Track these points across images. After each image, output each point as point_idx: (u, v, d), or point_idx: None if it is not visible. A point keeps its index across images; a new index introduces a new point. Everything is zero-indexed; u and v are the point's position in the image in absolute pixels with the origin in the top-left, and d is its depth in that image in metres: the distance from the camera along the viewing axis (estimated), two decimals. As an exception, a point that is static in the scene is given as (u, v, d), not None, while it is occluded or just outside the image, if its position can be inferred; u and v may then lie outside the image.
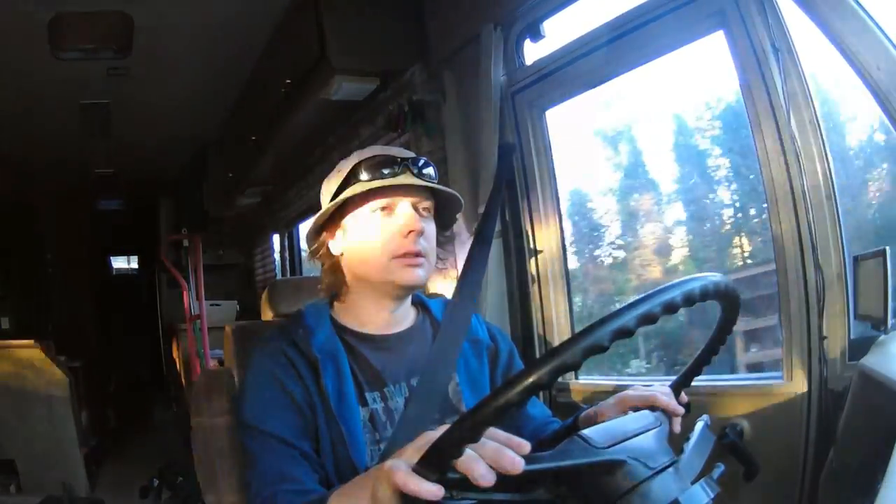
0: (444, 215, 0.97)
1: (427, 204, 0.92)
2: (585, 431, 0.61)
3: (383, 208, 0.89)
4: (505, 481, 0.53)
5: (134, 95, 2.82)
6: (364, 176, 0.90)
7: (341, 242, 0.93)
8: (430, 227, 0.92)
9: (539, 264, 1.70)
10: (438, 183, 0.93)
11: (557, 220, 1.69)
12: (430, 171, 0.92)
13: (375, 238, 0.89)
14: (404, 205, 0.89)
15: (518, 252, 1.71)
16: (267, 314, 1.25)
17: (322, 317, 0.94)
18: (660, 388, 0.81)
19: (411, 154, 0.93)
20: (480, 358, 0.99)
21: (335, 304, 0.98)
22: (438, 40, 1.88)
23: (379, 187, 0.88)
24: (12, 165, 3.70)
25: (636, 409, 0.78)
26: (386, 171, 0.89)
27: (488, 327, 1.04)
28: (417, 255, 0.89)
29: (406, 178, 0.89)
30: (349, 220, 0.92)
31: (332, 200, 0.92)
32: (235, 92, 2.91)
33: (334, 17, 1.91)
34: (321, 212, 0.93)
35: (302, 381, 0.86)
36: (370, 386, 0.90)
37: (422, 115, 1.87)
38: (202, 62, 2.56)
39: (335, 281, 0.96)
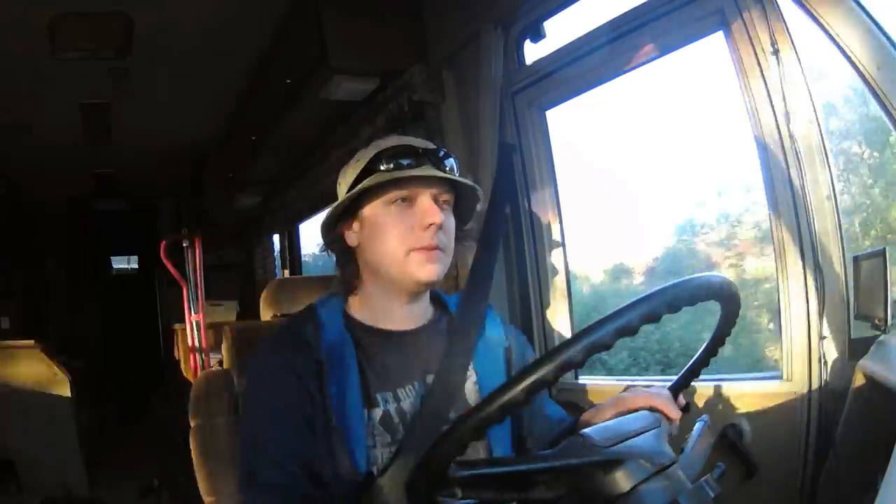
0: (462, 209, 0.94)
1: (447, 196, 0.89)
2: (586, 430, 0.62)
3: (403, 199, 0.86)
4: (507, 481, 0.53)
5: (134, 95, 2.82)
6: (383, 166, 0.87)
7: (357, 234, 0.90)
8: (450, 221, 0.89)
9: (539, 264, 1.69)
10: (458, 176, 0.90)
11: (558, 219, 1.69)
12: (451, 162, 0.90)
13: (393, 230, 0.86)
14: (424, 197, 0.86)
15: (518, 252, 1.71)
16: (266, 314, 1.25)
17: (335, 311, 0.91)
18: (658, 390, 0.81)
19: (432, 145, 0.91)
20: (497, 355, 0.96)
21: (350, 298, 0.94)
22: (438, 40, 1.88)
23: (398, 178, 0.85)
24: (12, 165, 3.70)
25: (634, 412, 0.78)
26: (406, 162, 0.86)
27: (503, 324, 1.01)
28: (435, 248, 0.85)
29: (426, 170, 0.86)
30: (367, 211, 0.88)
31: (349, 191, 0.89)
32: (235, 92, 2.90)
33: (334, 17, 1.91)
34: (338, 202, 0.90)
35: (307, 390, 0.82)
36: (381, 385, 0.86)
37: (422, 115, 1.87)
38: (202, 62, 2.56)
39: (349, 274, 0.92)
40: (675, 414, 0.78)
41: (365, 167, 0.88)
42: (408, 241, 0.85)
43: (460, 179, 0.89)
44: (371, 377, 0.86)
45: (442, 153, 0.90)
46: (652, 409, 0.77)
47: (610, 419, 0.78)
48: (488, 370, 0.93)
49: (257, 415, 0.84)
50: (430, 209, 0.85)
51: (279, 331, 0.90)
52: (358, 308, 0.93)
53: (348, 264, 0.92)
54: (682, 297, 0.55)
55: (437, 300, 0.98)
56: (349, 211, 0.90)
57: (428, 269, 0.86)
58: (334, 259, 0.95)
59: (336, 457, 0.81)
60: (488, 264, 1.14)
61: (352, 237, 0.91)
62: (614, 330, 0.50)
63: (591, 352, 0.51)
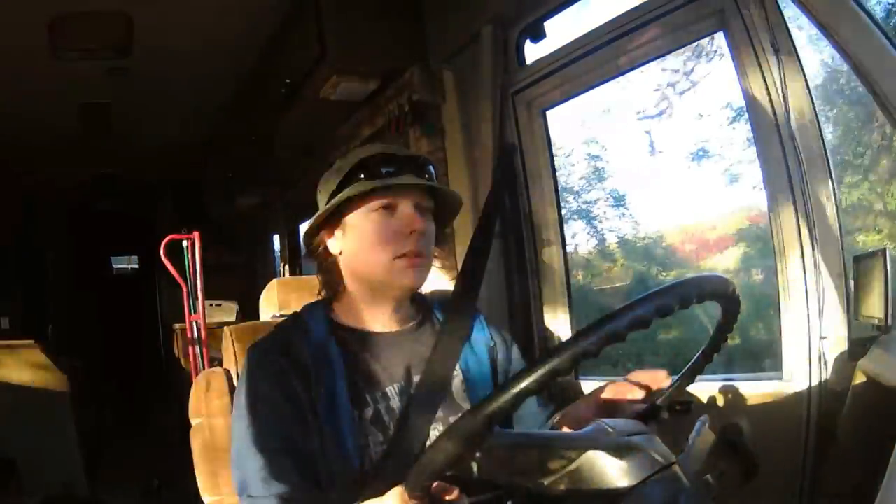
0: (443, 214, 0.97)
1: (429, 203, 0.91)
2: (606, 420, 0.64)
3: (385, 207, 0.88)
4: (524, 466, 0.55)
5: (134, 95, 2.82)
6: (365, 175, 0.88)
7: (340, 241, 0.92)
8: (431, 227, 0.91)
9: (539, 264, 1.69)
10: (437, 183, 0.92)
11: (557, 219, 1.69)
12: (431, 169, 0.92)
13: (377, 238, 0.88)
14: (406, 204, 0.88)
15: (518, 252, 1.71)
16: (266, 314, 1.25)
17: (320, 316, 0.93)
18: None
19: (412, 152, 0.94)
20: (482, 355, 0.98)
21: (333, 304, 0.96)
22: (438, 40, 1.88)
23: (381, 187, 0.87)
24: (12, 165, 3.70)
25: (608, 405, 0.81)
26: (387, 171, 0.88)
27: (488, 325, 1.03)
28: (419, 254, 0.88)
29: (408, 178, 0.88)
30: (349, 220, 0.90)
31: (330, 199, 0.91)
32: (235, 92, 2.91)
33: (334, 17, 1.91)
34: (320, 211, 0.92)
35: (296, 391, 0.84)
36: (370, 386, 0.88)
37: (422, 115, 1.87)
38: (202, 62, 2.56)
39: (331, 281, 0.94)
40: (661, 384, 0.80)
41: (346, 176, 0.90)
42: (392, 248, 0.87)
43: (441, 187, 0.92)
44: (359, 378, 0.88)
45: (422, 160, 0.92)
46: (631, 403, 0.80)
47: (586, 415, 0.80)
48: (474, 369, 0.95)
49: (253, 417, 0.83)
50: (412, 217, 0.88)
51: (265, 338, 0.90)
52: (341, 313, 0.95)
53: (331, 271, 0.94)
54: (692, 294, 0.56)
55: (418, 302, 1.00)
56: (331, 219, 0.92)
57: (411, 276, 0.89)
58: (316, 266, 0.96)
59: (329, 457, 0.82)
60: (481, 265, 1.15)
61: (334, 245, 0.92)
62: (632, 319, 0.53)
63: (610, 341, 0.53)
